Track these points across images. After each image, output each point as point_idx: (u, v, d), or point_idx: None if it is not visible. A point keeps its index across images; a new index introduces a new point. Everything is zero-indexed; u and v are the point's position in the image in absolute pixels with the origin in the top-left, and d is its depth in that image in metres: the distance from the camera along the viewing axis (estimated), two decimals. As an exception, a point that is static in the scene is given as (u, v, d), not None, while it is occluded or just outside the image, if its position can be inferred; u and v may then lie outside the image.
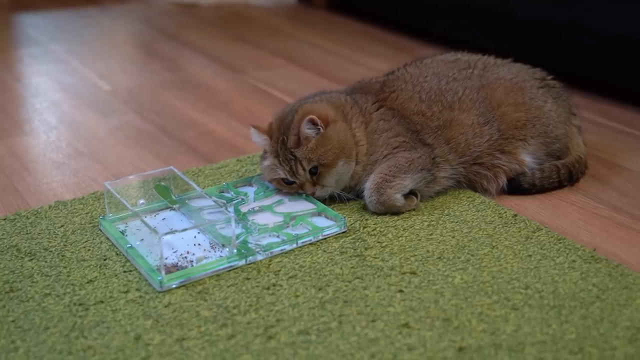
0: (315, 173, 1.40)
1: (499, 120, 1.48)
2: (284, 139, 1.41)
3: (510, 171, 1.49)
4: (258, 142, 1.48)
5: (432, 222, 1.38)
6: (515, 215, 1.39)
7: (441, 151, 1.45)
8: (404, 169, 1.40)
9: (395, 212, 1.40)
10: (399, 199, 1.39)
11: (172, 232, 1.30)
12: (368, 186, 1.40)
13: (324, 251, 1.29)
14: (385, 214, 1.40)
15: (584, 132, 1.63)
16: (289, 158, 1.40)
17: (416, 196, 1.43)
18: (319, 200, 1.44)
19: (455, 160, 1.46)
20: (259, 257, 1.27)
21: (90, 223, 1.40)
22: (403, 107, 1.49)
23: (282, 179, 1.44)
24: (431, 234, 1.34)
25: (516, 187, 1.49)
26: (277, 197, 1.48)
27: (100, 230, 1.37)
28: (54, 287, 1.19)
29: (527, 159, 1.49)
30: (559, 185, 1.52)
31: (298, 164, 1.40)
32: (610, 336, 1.06)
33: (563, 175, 1.51)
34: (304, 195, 1.45)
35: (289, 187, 1.45)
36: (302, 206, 1.44)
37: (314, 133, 1.38)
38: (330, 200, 1.45)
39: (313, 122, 1.38)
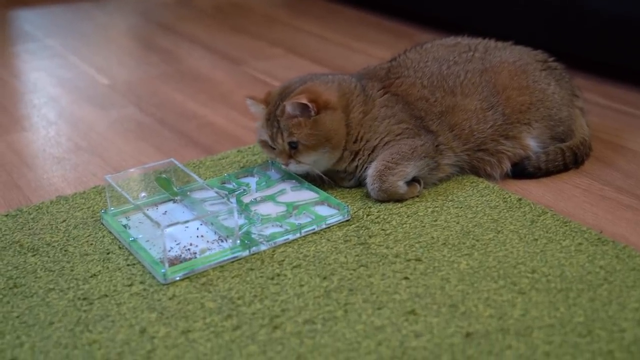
0: (294, 147, 1.40)
1: (503, 104, 1.47)
2: (278, 105, 1.41)
3: (515, 156, 1.48)
4: (255, 112, 1.48)
5: (436, 208, 1.37)
6: (520, 199, 1.38)
7: (445, 138, 1.44)
8: (407, 156, 1.39)
9: (397, 199, 1.39)
10: (401, 186, 1.38)
11: (174, 224, 1.29)
12: (370, 173, 1.39)
13: (328, 240, 1.28)
14: (388, 201, 1.39)
15: (587, 114, 1.62)
16: (274, 124, 1.40)
17: (419, 183, 1.42)
18: (295, 174, 1.45)
19: (459, 147, 1.45)
20: (263, 248, 1.26)
21: (92, 217, 1.39)
22: (407, 93, 1.48)
23: (267, 141, 1.44)
24: (435, 220, 1.33)
25: (521, 171, 1.48)
26: (279, 187, 1.47)
27: (102, 224, 1.37)
28: (57, 282, 1.19)
29: (532, 143, 1.48)
30: (564, 168, 1.51)
31: (279, 132, 1.40)
32: (619, 318, 1.05)
33: (568, 158, 1.50)
34: (282, 166, 1.44)
35: (270, 152, 1.46)
36: (304, 195, 1.43)
37: (300, 115, 1.37)
38: (321, 181, 1.45)
39: (302, 107, 1.37)
